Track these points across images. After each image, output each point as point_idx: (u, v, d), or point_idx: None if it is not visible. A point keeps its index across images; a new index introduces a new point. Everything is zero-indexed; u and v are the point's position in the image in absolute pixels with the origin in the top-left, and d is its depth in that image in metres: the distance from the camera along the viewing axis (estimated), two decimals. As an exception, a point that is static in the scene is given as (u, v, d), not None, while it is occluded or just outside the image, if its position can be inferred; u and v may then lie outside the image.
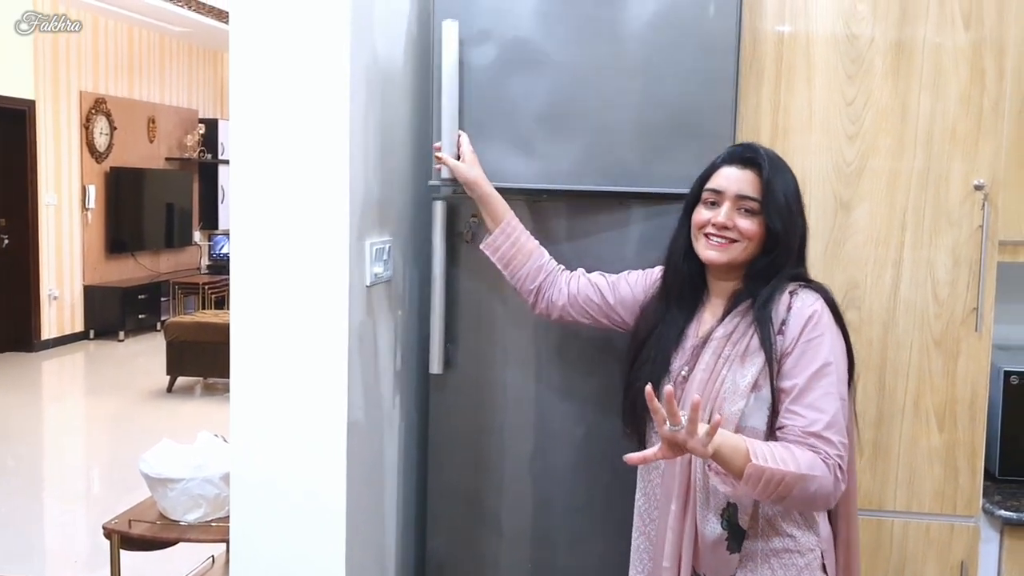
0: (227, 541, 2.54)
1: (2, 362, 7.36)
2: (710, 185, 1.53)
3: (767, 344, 1.43)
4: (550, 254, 1.81)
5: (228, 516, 2.15)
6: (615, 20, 1.86)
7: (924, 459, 1.92)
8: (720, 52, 1.82)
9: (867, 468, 1.93)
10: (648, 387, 1.31)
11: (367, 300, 1.81)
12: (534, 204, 1.91)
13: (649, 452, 1.37)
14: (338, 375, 1.73)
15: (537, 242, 1.80)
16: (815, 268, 1.91)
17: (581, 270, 1.79)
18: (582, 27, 1.87)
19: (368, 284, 1.80)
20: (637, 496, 1.66)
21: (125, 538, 2.17)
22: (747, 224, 1.49)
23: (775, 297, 1.47)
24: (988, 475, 2.04)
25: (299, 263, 1.72)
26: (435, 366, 1.93)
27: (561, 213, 1.91)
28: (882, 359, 1.92)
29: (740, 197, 1.50)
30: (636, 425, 1.61)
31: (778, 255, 1.49)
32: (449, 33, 1.83)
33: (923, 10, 1.87)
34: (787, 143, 1.92)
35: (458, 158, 1.81)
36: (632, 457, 1.38)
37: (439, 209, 1.90)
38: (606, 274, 1.76)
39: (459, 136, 1.83)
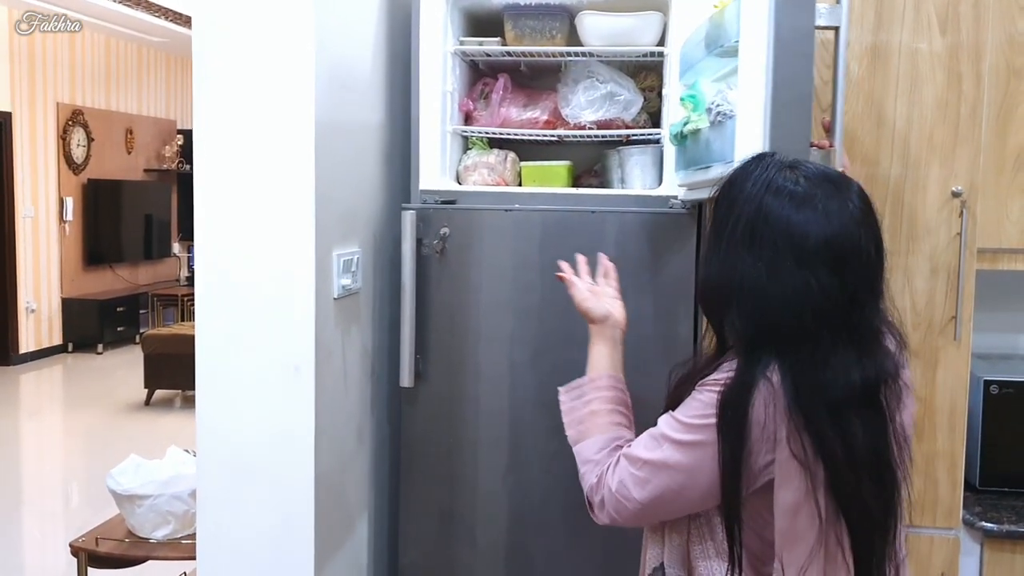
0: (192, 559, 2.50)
1: (-22, 376, 7.26)
2: None
3: (672, 387, 1.25)
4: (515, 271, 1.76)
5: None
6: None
7: (904, 470, 1.89)
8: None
9: (846, 480, 1.90)
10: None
11: (335, 313, 1.77)
12: (499, 215, 1.88)
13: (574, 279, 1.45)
14: (305, 388, 1.68)
15: (620, 419, 1.35)
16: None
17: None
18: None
19: (336, 296, 1.76)
20: None
21: (94, 556, 2.11)
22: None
23: (718, 353, 1.20)
24: (968, 486, 2.01)
25: (264, 275, 1.68)
26: (405, 379, 1.89)
27: (553, 218, 1.88)
28: (860, 369, 1.89)
29: None
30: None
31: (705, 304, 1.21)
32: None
33: (899, 15, 1.85)
34: (762, 150, 1.89)
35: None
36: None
37: (408, 219, 1.86)
38: None
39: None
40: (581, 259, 1.47)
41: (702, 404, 1.13)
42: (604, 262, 1.52)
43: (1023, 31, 1.95)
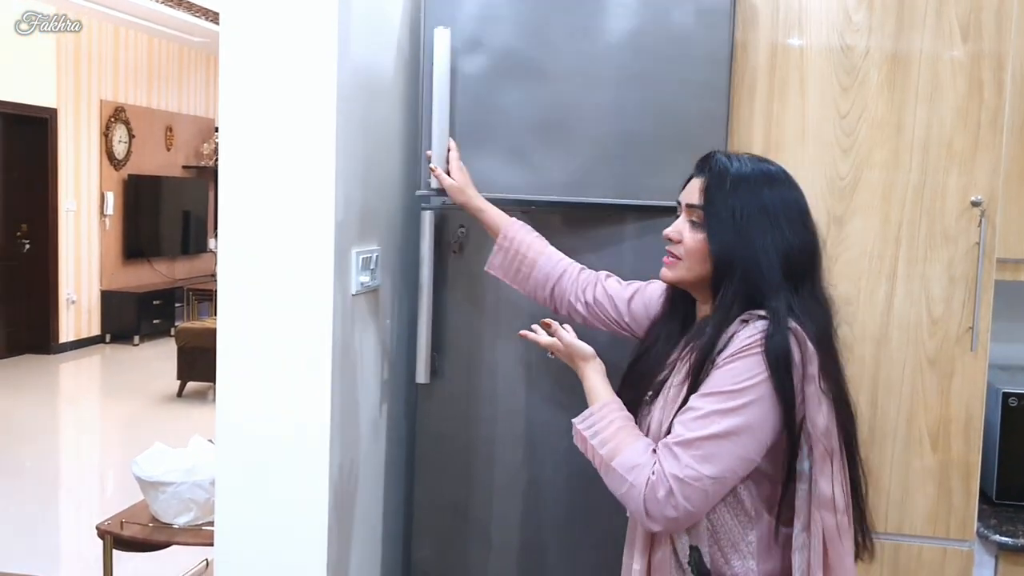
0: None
1: (21, 364, 7.46)
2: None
3: (695, 371, 1.30)
4: (532, 232, 1.77)
5: (216, 522, 2.16)
6: (608, 30, 1.86)
7: (917, 480, 1.88)
8: (712, 63, 1.81)
9: (859, 487, 1.90)
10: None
11: (352, 309, 1.81)
12: (525, 215, 1.90)
13: (540, 338, 1.51)
14: (322, 384, 1.72)
15: (544, 244, 1.73)
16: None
17: (603, 275, 1.71)
18: (575, 37, 1.86)
19: (354, 293, 1.80)
20: None
21: (119, 539, 2.18)
22: (691, 237, 1.36)
23: (720, 325, 1.30)
24: (985, 498, 1.99)
25: (285, 271, 1.72)
26: (421, 376, 1.92)
27: (553, 224, 1.90)
28: (874, 377, 1.88)
29: (688, 207, 1.38)
30: None
31: (718, 275, 1.33)
32: (441, 41, 1.82)
33: (920, 21, 1.84)
34: (779, 156, 1.89)
35: (447, 171, 1.80)
36: (524, 333, 1.54)
37: (427, 219, 1.90)
38: (628, 286, 1.68)
39: (449, 145, 1.81)
40: (535, 326, 1.56)
41: (744, 368, 1.24)
42: (551, 324, 1.57)
43: (1048, 40, 1.92)
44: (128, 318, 8.30)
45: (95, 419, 6.24)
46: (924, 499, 1.88)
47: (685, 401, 1.29)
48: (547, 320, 1.45)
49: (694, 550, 1.30)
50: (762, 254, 1.30)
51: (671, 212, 1.59)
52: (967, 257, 1.84)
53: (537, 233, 1.77)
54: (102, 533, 2.19)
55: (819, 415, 1.25)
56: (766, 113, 1.90)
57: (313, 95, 1.68)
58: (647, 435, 1.35)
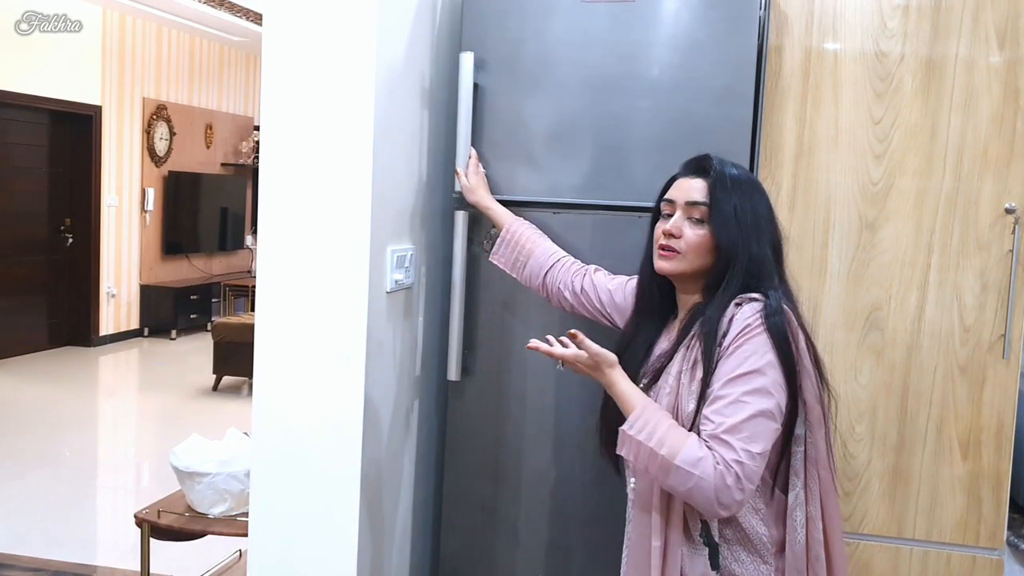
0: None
1: (62, 356, 7.62)
2: (666, 196, 1.54)
3: (707, 357, 1.40)
4: (533, 229, 1.89)
5: (250, 512, 2.21)
6: (629, 41, 1.89)
7: (947, 487, 1.88)
8: (737, 68, 1.83)
9: (886, 494, 1.90)
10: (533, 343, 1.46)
11: (387, 306, 1.84)
12: (545, 217, 1.93)
13: (555, 350, 1.47)
14: (355, 378, 1.76)
15: (542, 239, 1.87)
16: (837, 287, 1.89)
17: (592, 268, 1.81)
18: (596, 48, 1.90)
19: (388, 290, 1.84)
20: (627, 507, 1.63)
21: (156, 527, 2.24)
22: (693, 232, 1.47)
23: (720, 309, 1.43)
24: (1016, 508, 1.98)
25: (321, 268, 1.76)
26: (453, 373, 1.96)
27: (572, 226, 1.93)
28: (904, 383, 1.88)
29: (688, 204, 1.48)
30: (611, 445, 1.57)
31: (722, 266, 1.45)
32: (466, 63, 1.92)
33: (956, 28, 1.84)
34: (812, 161, 1.90)
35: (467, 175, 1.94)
36: (535, 344, 1.48)
37: (460, 219, 1.93)
38: (612, 279, 1.78)
39: (471, 154, 1.93)
40: (549, 338, 1.54)
41: (753, 349, 1.36)
42: (577, 334, 1.55)
43: (1089, 46, 1.91)
44: (166, 312, 8.44)
45: (133, 411, 6.36)
46: (953, 507, 1.88)
47: (703, 384, 1.39)
48: (573, 331, 1.46)
49: (705, 524, 1.42)
50: (759, 247, 1.45)
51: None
52: (1000, 265, 1.84)
53: (538, 230, 1.89)
54: (140, 521, 2.25)
55: (810, 385, 1.40)
56: (799, 117, 1.91)
57: (351, 95, 1.72)
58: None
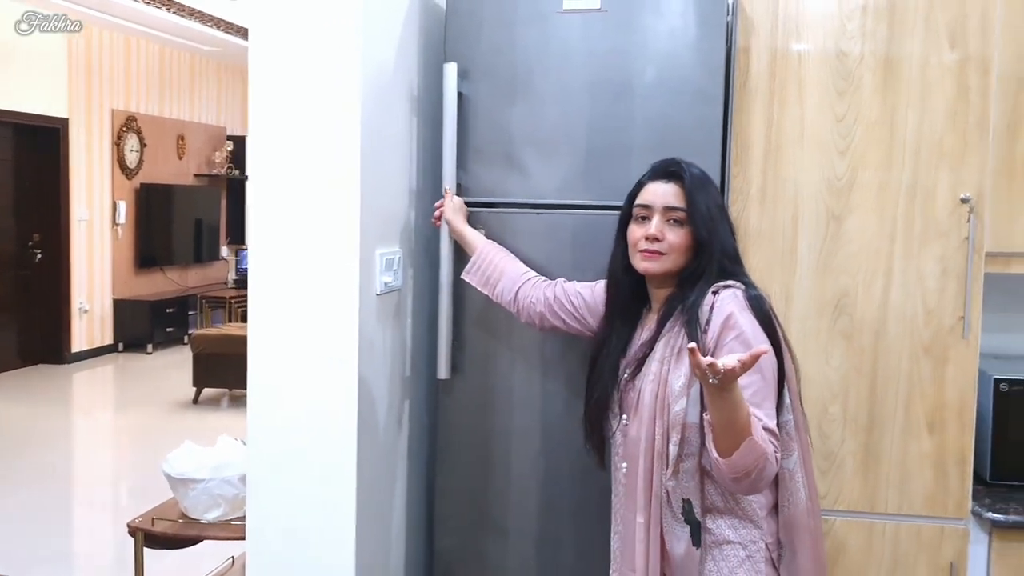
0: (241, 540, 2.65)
1: (34, 374, 7.56)
2: (639, 201, 1.65)
3: (693, 341, 1.49)
4: (542, 263, 1.97)
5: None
6: (604, 49, 1.98)
7: (915, 463, 1.98)
8: (708, 71, 1.92)
9: (859, 471, 1.99)
10: (692, 344, 1.32)
11: (377, 308, 1.91)
12: (528, 218, 2.01)
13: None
14: (348, 379, 1.82)
15: (513, 260, 1.95)
16: (807, 277, 1.99)
17: (560, 280, 1.90)
18: (573, 57, 1.99)
19: (378, 292, 1.90)
20: (612, 499, 1.73)
21: (149, 536, 2.28)
22: (675, 234, 1.60)
23: (700, 297, 1.55)
24: (980, 480, 2.09)
25: (313, 272, 1.83)
26: (442, 371, 2.03)
27: (554, 226, 2.01)
28: (873, 365, 1.98)
29: (667, 208, 1.61)
30: (594, 440, 1.72)
31: (702, 260, 1.58)
32: (450, 74, 2.00)
33: (910, 28, 1.94)
34: (780, 158, 1.99)
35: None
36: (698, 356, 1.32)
37: (447, 223, 2.00)
38: (580, 284, 1.87)
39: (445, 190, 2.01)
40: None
41: (751, 334, 1.49)
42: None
43: (1034, 44, 2.02)
44: (141, 327, 8.41)
45: (113, 427, 6.34)
46: (922, 481, 1.98)
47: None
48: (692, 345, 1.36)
49: (687, 503, 1.53)
50: (727, 239, 1.62)
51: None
52: (958, 251, 1.94)
53: (508, 252, 1.97)
54: (133, 530, 2.29)
55: (787, 359, 1.55)
56: (767, 117, 2.00)
57: (338, 103, 1.79)
58: (637, 406, 1.58)
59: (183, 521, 2.30)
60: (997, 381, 2.06)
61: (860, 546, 1.99)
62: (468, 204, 2.03)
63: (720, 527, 1.55)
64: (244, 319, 8.75)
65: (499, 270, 1.93)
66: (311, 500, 1.85)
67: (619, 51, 1.97)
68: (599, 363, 1.71)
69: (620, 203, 1.92)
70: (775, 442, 1.44)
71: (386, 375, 1.98)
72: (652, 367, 1.58)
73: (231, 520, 2.28)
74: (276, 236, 1.84)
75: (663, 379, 1.55)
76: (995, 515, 1.96)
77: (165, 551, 2.42)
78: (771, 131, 2.01)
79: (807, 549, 1.57)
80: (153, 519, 2.29)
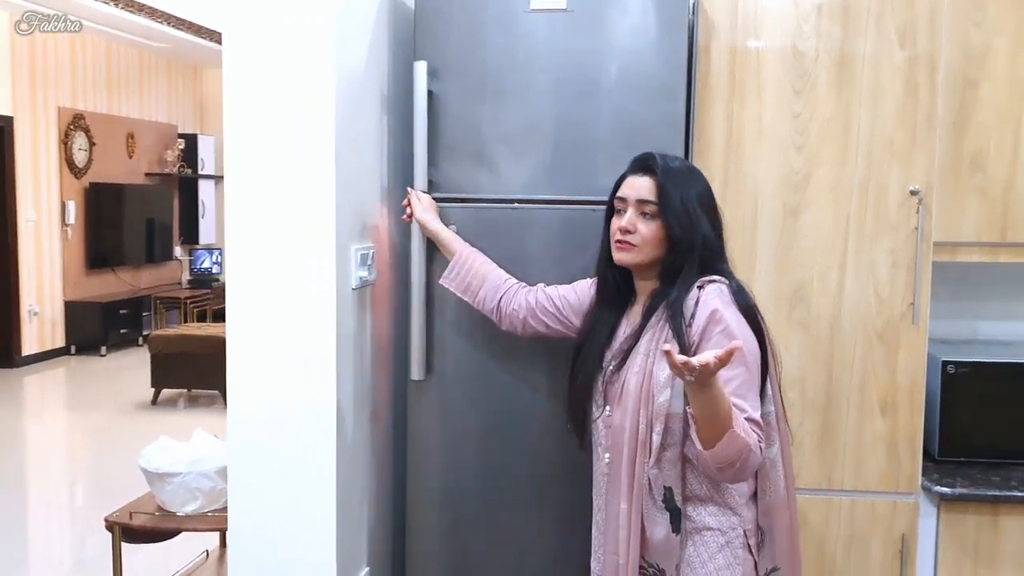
0: (224, 530, 2.67)
1: (-17, 378, 7.40)
2: (618, 194, 1.71)
3: (678, 337, 1.55)
4: (510, 261, 1.99)
5: (223, 507, 2.28)
6: (570, 48, 2.04)
7: (869, 443, 2.09)
8: (670, 69, 1.99)
9: (817, 451, 2.10)
10: (667, 346, 1.40)
11: (353, 302, 1.95)
12: (498, 212, 2.06)
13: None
14: (327, 370, 1.86)
15: (493, 266, 1.97)
16: (767, 270, 2.08)
17: (541, 285, 1.94)
18: (540, 55, 2.05)
19: (354, 287, 1.95)
20: (592, 488, 1.78)
21: (127, 530, 2.29)
22: (645, 226, 1.65)
23: (684, 292, 1.59)
24: (929, 457, 2.21)
25: (290, 267, 1.86)
26: (416, 372, 2.06)
27: (524, 221, 2.06)
28: (829, 352, 2.08)
29: (639, 201, 1.65)
30: (577, 422, 1.78)
31: (679, 254, 1.62)
32: (419, 71, 2.03)
33: (862, 29, 2.04)
34: (740, 154, 2.08)
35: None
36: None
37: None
38: (561, 286, 1.91)
39: (408, 191, 2.04)
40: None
41: (734, 327, 1.53)
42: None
43: (976, 45, 2.14)
44: (94, 328, 8.27)
45: (70, 430, 6.25)
46: (876, 459, 2.08)
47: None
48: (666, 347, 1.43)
49: (668, 490, 1.57)
50: (708, 233, 1.64)
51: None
52: (908, 241, 2.05)
53: (485, 257, 1.99)
54: (111, 525, 2.29)
55: (769, 351, 1.60)
56: (727, 114, 2.09)
57: (314, 107, 1.83)
58: (621, 397, 1.62)
59: (160, 514, 2.31)
60: (945, 364, 2.18)
61: (819, 521, 2.10)
62: (439, 200, 2.07)
63: (700, 514, 1.59)
64: (200, 319, 8.68)
65: (480, 276, 1.94)
66: (290, 491, 1.88)
67: (585, 50, 2.04)
68: (584, 350, 1.75)
69: (585, 197, 2.02)
70: (759, 432, 1.49)
71: (362, 367, 2.02)
72: (637, 360, 1.62)
73: (208, 512, 2.30)
74: (254, 233, 1.87)
75: (648, 371, 1.59)
76: (943, 489, 2.07)
77: (140, 546, 2.43)
78: (731, 128, 2.09)
79: (784, 535, 1.63)
80: (131, 513, 2.30)
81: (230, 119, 1.87)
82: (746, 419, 1.48)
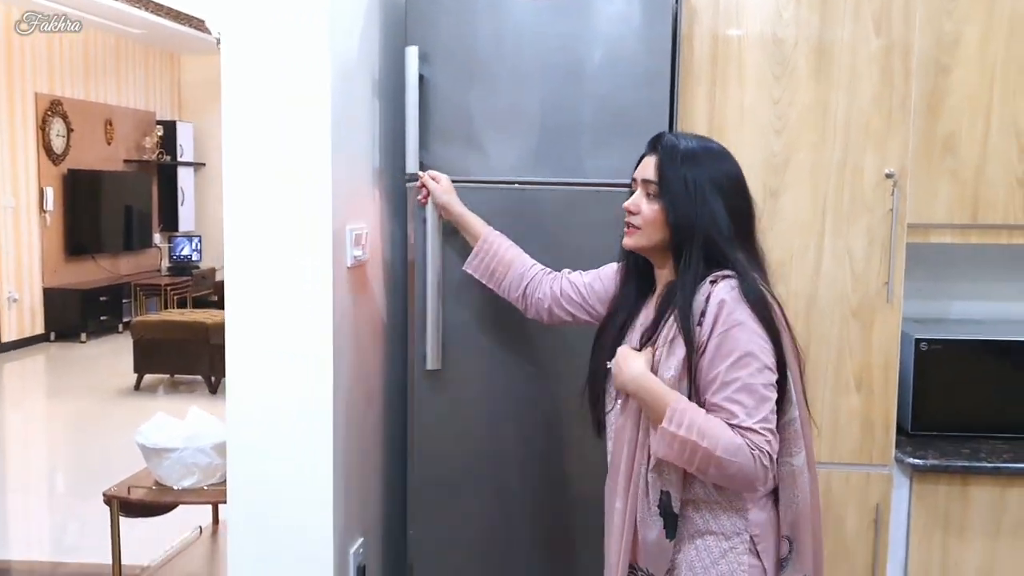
0: (218, 504, 2.72)
1: (-38, 365, 7.36)
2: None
3: (686, 334, 1.46)
4: (508, 240, 1.97)
5: (219, 482, 2.34)
6: (557, 33, 2.09)
7: (844, 417, 2.17)
8: (655, 56, 2.05)
9: (796, 425, 2.18)
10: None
11: (348, 280, 2.00)
12: (485, 193, 2.11)
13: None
14: (324, 346, 1.91)
15: (518, 251, 1.92)
16: (748, 248, 2.15)
17: (566, 270, 1.89)
18: (529, 41, 2.10)
19: (349, 265, 2.00)
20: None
21: (124, 504, 2.33)
22: (648, 208, 1.55)
23: (696, 286, 1.48)
24: (902, 431, 2.29)
25: (288, 247, 1.91)
26: (431, 361, 1.98)
27: (514, 202, 2.10)
28: (807, 329, 2.16)
29: (644, 181, 1.57)
30: (593, 410, 1.71)
31: (679, 238, 1.51)
32: (411, 57, 2.08)
33: (840, 17, 2.11)
34: (722, 138, 2.13)
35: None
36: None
37: (414, 193, 2.10)
38: (586, 272, 1.85)
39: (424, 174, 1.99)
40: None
41: (744, 328, 1.44)
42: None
43: (949, 33, 2.21)
44: (73, 315, 8.24)
45: (51, 416, 6.24)
46: (851, 433, 2.17)
47: (689, 362, 1.45)
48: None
49: (665, 495, 1.49)
50: (717, 217, 1.51)
51: (616, 188, 1.84)
52: (883, 222, 2.13)
53: (511, 242, 1.95)
54: (109, 499, 2.34)
55: (790, 353, 1.49)
56: (709, 99, 2.15)
57: (310, 91, 1.87)
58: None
59: (157, 488, 2.37)
60: (918, 341, 2.27)
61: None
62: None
63: (704, 518, 1.50)
64: (180, 306, 8.67)
65: (505, 262, 1.87)
66: (289, 464, 1.93)
67: (571, 35, 2.09)
68: (602, 338, 1.69)
69: (576, 179, 2.08)
70: (751, 439, 1.39)
71: (357, 345, 2.07)
72: (654, 354, 1.52)
73: (204, 487, 2.36)
74: (252, 215, 1.91)
75: (654, 369, 1.50)
76: (915, 460, 2.16)
77: (134, 524, 2.47)
78: (714, 112, 2.16)
79: (808, 545, 1.54)
80: (129, 487, 2.35)
81: (228, 107, 1.91)
82: (735, 425, 1.40)
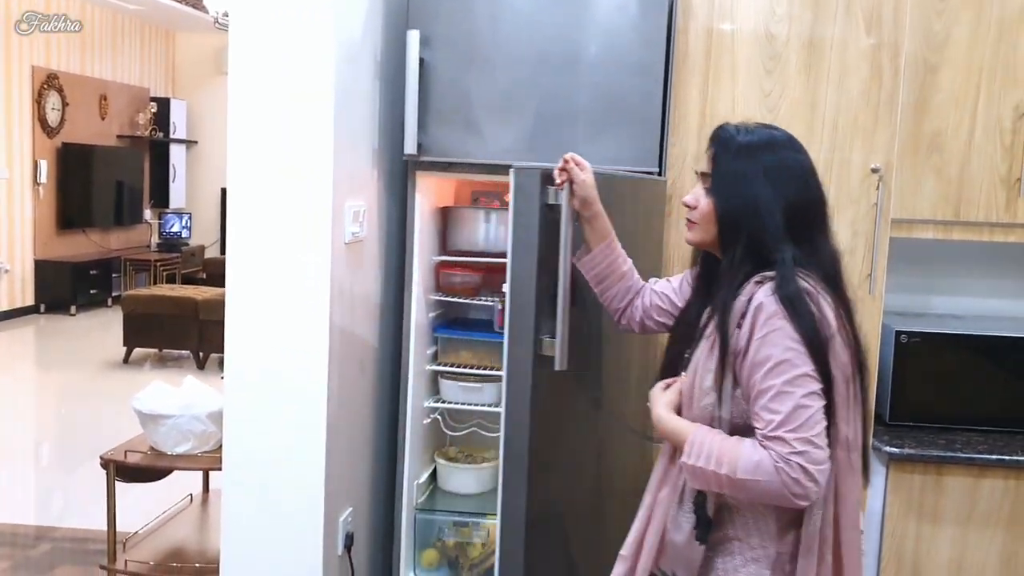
0: (209, 473, 2.77)
1: (-49, 334, 7.37)
2: None
3: (723, 336, 1.38)
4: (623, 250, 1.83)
5: (213, 449, 2.39)
6: (556, 22, 2.15)
7: (825, 403, 2.23)
8: (650, 48, 2.11)
9: (777, 410, 2.24)
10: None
11: (346, 255, 2.05)
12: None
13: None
14: (320, 318, 1.97)
15: (631, 264, 1.80)
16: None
17: (653, 279, 1.82)
18: (528, 28, 2.15)
19: (347, 241, 2.05)
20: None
21: (120, 468, 2.38)
22: (705, 202, 1.47)
23: (738, 286, 1.39)
24: (880, 421, 2.36)
25: (289, 222, 1.96)
26: (560, 362, 1.75)
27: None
28: (791, 316, 2.22)
29: (702, 174, 1.50)
30: None
31: (725, 232, 1.44)
32: (412, 41, 2.13)
33: (832, 14, 2.17)
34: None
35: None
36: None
37: (412, 181, 2.15)
38: (672, 278, 1.79)
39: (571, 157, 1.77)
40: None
41: (783, 335, 1.32)
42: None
43: (937, 32, 2.27)
44: (63, 288, 8.24)
45: (48, 385, 6.27)
46: (830, 419, 2.23)
47: (722, 364, 1.37)
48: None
49: (700, 494, 1.41)
50: (765, 212, 1.39)
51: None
52: (867, 216, 2.19)
53: (624, 252, 1.81)
54: (105, 462, 2.39)
55: (836, 361, 1.34)
56: (702, 91, 2.21)
57: (313, 69, 1.92)
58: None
59: (153, 453, 2.42)
60: (898, 333, 2.33)
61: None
62: (427, 163, 2.17)
63: (735, 527, 1.42)
64: (169, 282, 8.68)
65: (619, 273, 1.78)
66: (284, 433, 1.99)
67: (569, 24, 2.14)
68: (676, 329, 1.65)
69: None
70: (774, 449, 1.29)
71: (352, 319, 2.13)
72: (695, 355, 1.46)
73: (198, 454, 2.41)
74: (255, 191, 1.96)
75: (696, 371, 1.44)
76: (892, 448, 2.23)
77: (126, 489, 2.52)
78: (706, 105, 2.22)
79: (828, 566, 1.41)
80: (126, 452, 2.40)
81: (235, 87, 1.95)
82: (762, 435, 1.31)
